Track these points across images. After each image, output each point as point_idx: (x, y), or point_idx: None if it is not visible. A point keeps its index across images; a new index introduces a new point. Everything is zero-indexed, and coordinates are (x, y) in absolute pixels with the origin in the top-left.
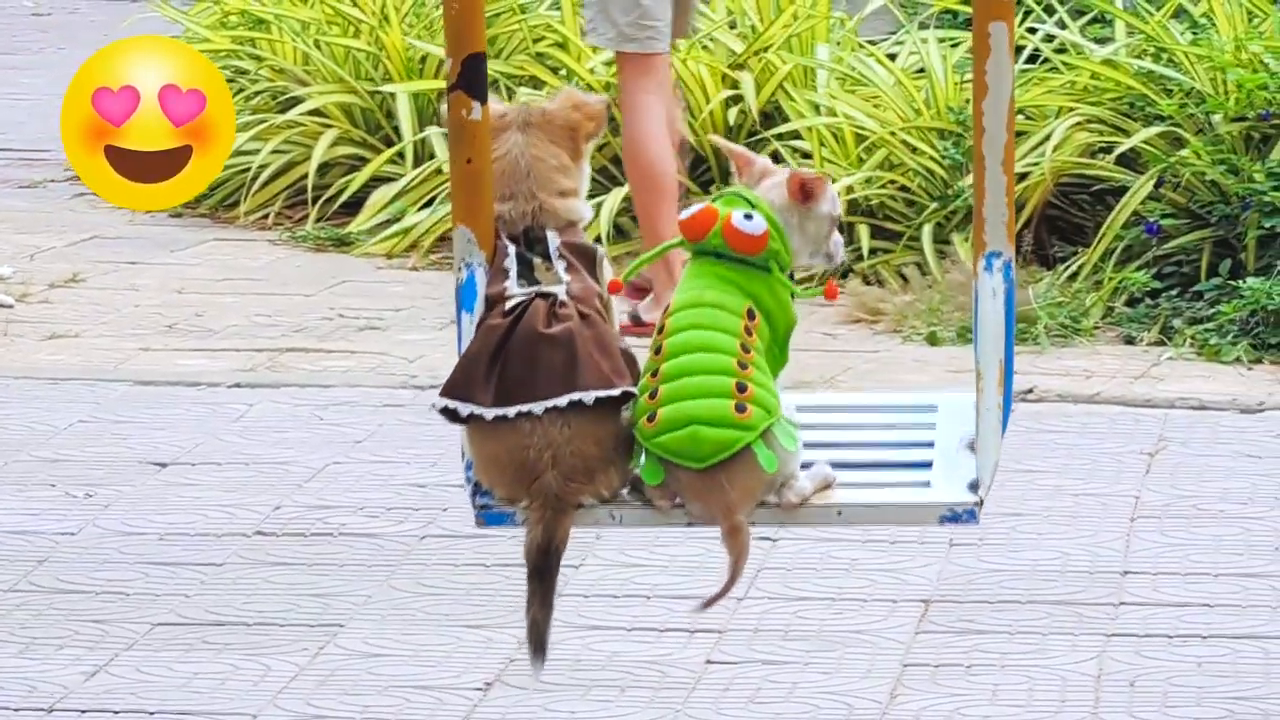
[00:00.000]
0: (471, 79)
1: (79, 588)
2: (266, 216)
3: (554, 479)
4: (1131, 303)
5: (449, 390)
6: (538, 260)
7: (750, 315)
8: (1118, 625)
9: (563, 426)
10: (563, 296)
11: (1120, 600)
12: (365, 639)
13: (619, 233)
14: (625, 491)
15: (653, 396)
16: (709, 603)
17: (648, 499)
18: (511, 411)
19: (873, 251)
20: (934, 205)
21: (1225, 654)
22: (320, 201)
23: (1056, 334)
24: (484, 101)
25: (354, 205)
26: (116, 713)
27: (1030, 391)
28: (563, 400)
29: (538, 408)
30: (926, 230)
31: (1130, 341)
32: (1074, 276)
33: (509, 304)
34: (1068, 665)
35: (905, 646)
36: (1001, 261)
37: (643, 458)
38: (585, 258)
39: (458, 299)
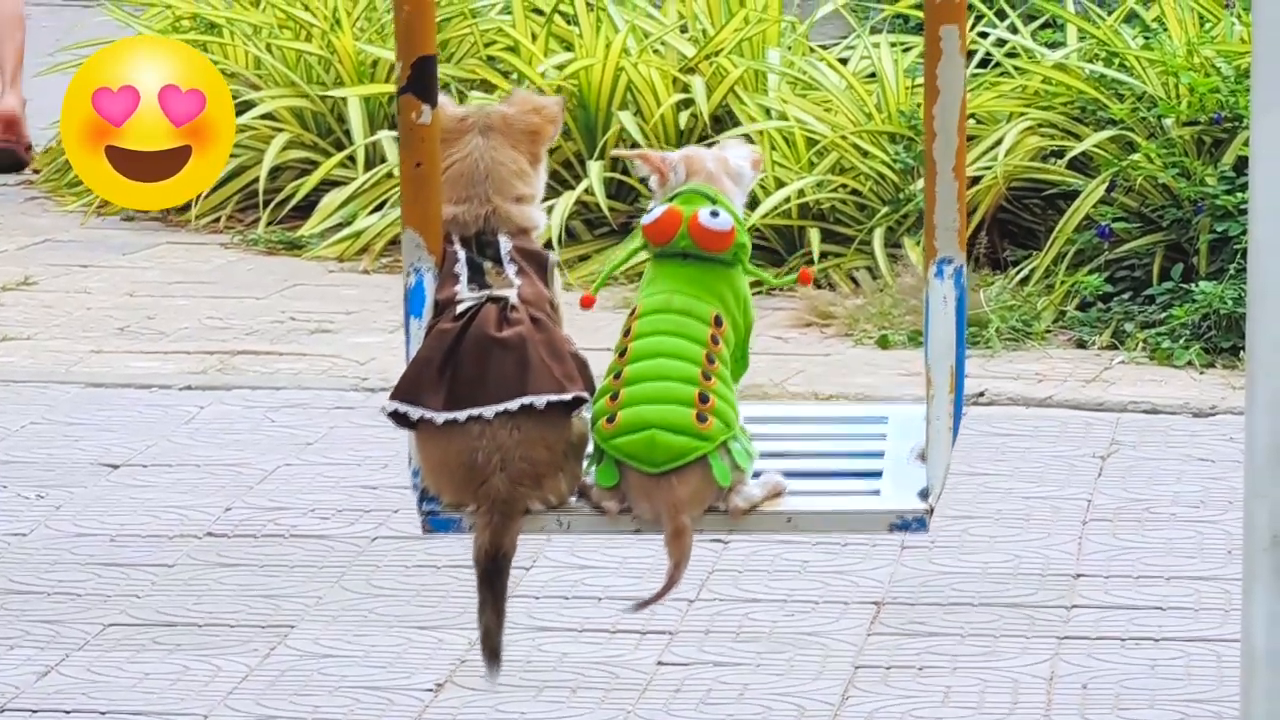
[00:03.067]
0: (421, 81)
1: (30, 588)
2: (218, 220)
3: (502, 482)
4: (1083, 306)
5: (399, 394)
6: (488, 264)
7: (718, 322)
8: (1070, 628)
9: (512, 430)
10: (514, 300)
11: (1072, 603)
12: (316, 640)
13: (570, 236)
14: (574, 499)
15: (614, 398)
16: (643, 605)
17: (595, 504)
18: (462, 415)
19: (824, 255)
20: (885, 209)
21: (1178, 657)
22: (271, 205)
23: (1008, 337)
24: (434, 105)
25: (305, 209)
26: (68, 713)
27: (982, 395)
28: (514, 404)
29: (488, 411)
30: (878, 234)
31: (1082, 345)
32: (1026, 280)
33: (459, 308)
34: (1020, 667)
35: (857, 648)
36: (953, 268)
37: (600, 459)
38: (537, 263)
39: (406, 304)
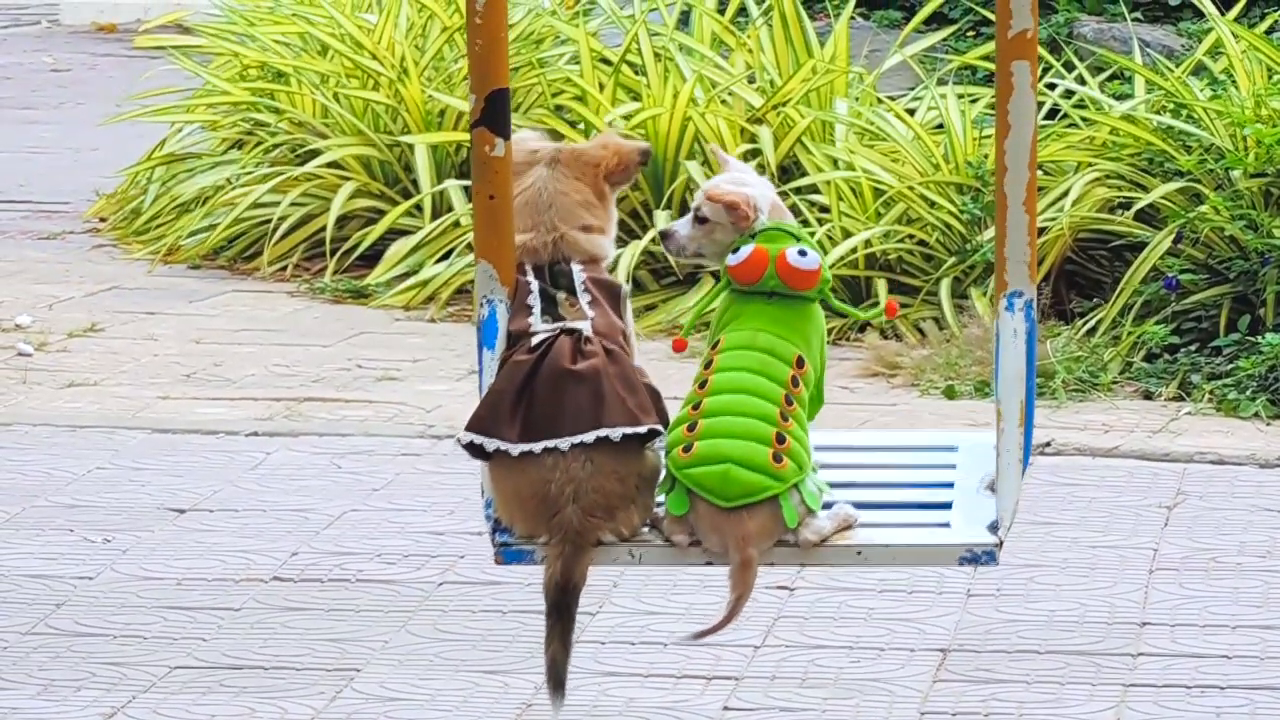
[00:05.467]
0: (494, 115)
1: (97, 631)
2: (285, 268)
3: (574, 514)
4: (1150, 358)
5: (475, 425)
6: (561, 295)
7: (799, 364)
8: (1136, 676)
9: (585, 462)
10: (588, 332)
11: (1139, 651)
12: (382, 683)
13: (637, 286)
14: (645, 529)
15: (691, 429)
16: (703, 634)
17: (665, 535)
18: (538, 448)
19: None
20: (952, 259)
21: (1243, 704)
22: (339, 253)
23: (1075, 388)
24: (507, 138)
25: (372, 257)
26: None
27: (1049, 445)
28: (589, 436)
29: (564, 444)
30: (944, 284)
31: (1149, 396)
32: (1092, 331)
33: (534, 340)
34: (1086, 715)
35: (923, 695)
36: (1023, 301)
37: (672, 486)
38: (610, 294)
39: (479, 335)
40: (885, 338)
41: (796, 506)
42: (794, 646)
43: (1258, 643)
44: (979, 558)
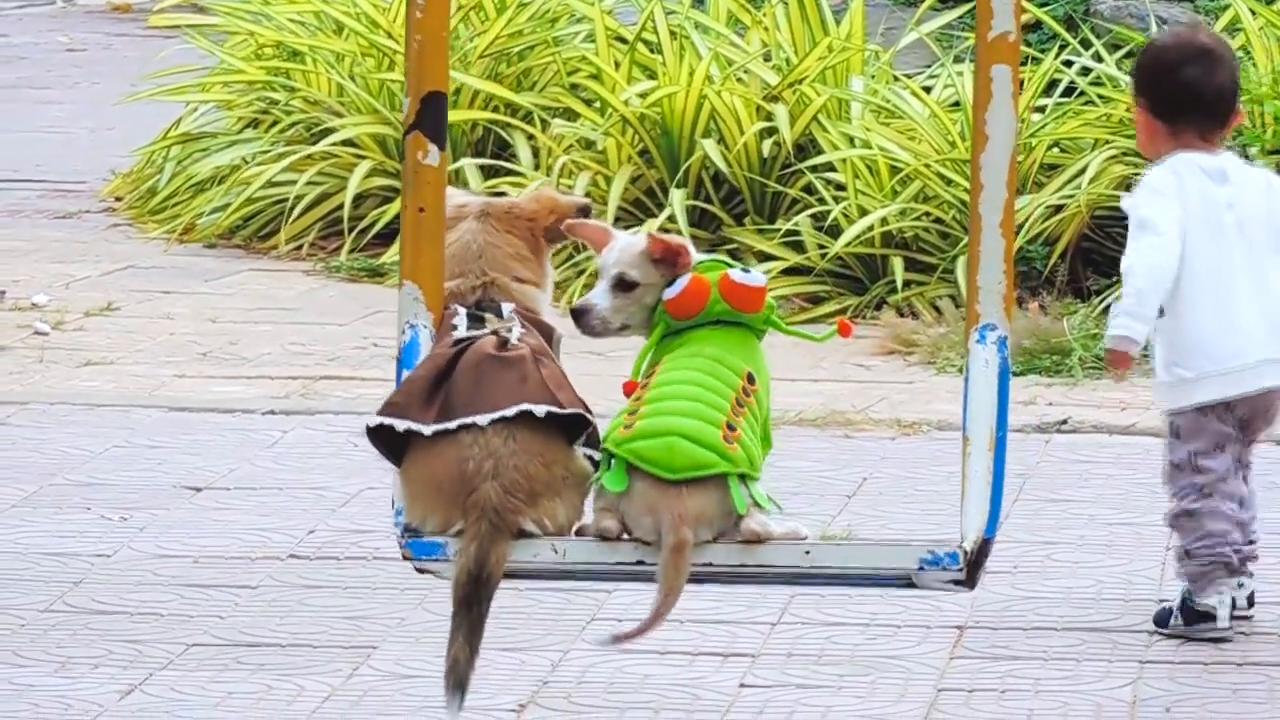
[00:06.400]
0: (431, 119)
1: (114, 608)
2: (300, 247)
3: (493, 491)
4: None
5: (386, 410)
6: (489, 316)
7: (750, 379)
8: (1153, 652)
9: (507, 439)
10: (514, 340)
11: (1155, 628)
12: (398, 660)
13: None
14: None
15: (633, 414)
16: (623, 637)
17: (594, 526)
18: (454, 424)
19: (907, 284)
20: (968, 238)
21: (1260, 680)
22: (354, 232)
23: (1091, 366)
24: (443, 146)
25: (388, 236)
26: None
27: (1065, 422)
28: (510, 410)
29: (482, 419)
30: (961, 262)
31: None
32: (1109, 309)
33: (455, 335)
34: (1102, 691)
35: (939, 671)
36: (996, 336)
37: (609, 465)
38: (543, 332)
39: (399, 362)
40: (901, 315)
41: (746, 495)
42: (810, 623)
43: (1274, 619)
44: (941, 560)
